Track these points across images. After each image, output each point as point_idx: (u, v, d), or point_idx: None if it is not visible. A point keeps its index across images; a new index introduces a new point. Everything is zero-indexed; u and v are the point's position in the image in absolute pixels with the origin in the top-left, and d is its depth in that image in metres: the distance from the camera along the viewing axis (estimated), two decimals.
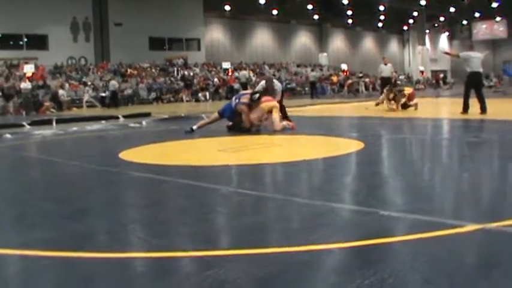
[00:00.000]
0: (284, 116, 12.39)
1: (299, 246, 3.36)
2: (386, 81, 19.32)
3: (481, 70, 14.35)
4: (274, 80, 13.47)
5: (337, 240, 3.51)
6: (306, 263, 3.08)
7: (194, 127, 11.65)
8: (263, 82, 12.78)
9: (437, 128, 12.89)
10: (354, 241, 3.46)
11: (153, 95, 32.94)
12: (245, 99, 11.47)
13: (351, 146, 8.72)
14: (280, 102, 12.22)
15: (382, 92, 18.62)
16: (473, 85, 14.28)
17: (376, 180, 5.92)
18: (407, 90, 17.65)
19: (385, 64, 19.64)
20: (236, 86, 35.78)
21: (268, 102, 11.53)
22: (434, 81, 53.81)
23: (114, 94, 29.51)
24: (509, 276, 2.85)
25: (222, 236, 3.95)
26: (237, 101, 11.64)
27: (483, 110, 13.94)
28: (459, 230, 3.57)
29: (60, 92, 27.14)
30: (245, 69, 40.59)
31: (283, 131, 11.21)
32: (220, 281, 2.84)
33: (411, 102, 17.11)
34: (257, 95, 11.42)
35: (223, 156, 8.37)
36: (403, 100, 17.18)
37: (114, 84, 29.89)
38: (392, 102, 17.33)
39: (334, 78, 44.80)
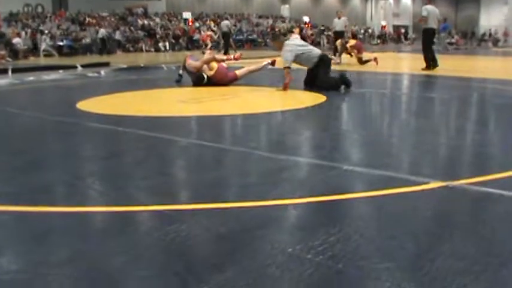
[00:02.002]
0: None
1: (261, 201, 3.30)
2: (338, 35, 19.66)
3: (436, 26, 14.34)
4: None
5: (300, 195, 3.46)
6: (269, 219, 3.02)
7: (180, 72, 11.47)
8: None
9: (399, 82, 12.91)
10: (318, 196, 3.41)
11: (117, 35, 32.43)
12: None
13: (312, 99, 8.67)
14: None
15: (335, 47, 18.66)
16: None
17: (339, 134, 5.88)
18: (351, 42, 17.68)
19: (339, 18, 19.83)
20: (196, 36, 35.50)
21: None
22: (396, 36, 53.89)
23: (103, 41, 30.29)
24: (472, 234, 2.84)
25: (183, 190, 3.85)
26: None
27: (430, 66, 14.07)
28: (424, 186, 3.55)
29: (16, 40, 26.36)
30: (226, 19, 39.41)
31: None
32: (182, 237, 2.75)
33: (370, 57, 17.12)
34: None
35: (184, 107, 8.24)
36: (353, 54, 17.31)
37: (103, 32, 30.63)
38: (337, 54, 17.59)
39: (296, 31, 44.41)
